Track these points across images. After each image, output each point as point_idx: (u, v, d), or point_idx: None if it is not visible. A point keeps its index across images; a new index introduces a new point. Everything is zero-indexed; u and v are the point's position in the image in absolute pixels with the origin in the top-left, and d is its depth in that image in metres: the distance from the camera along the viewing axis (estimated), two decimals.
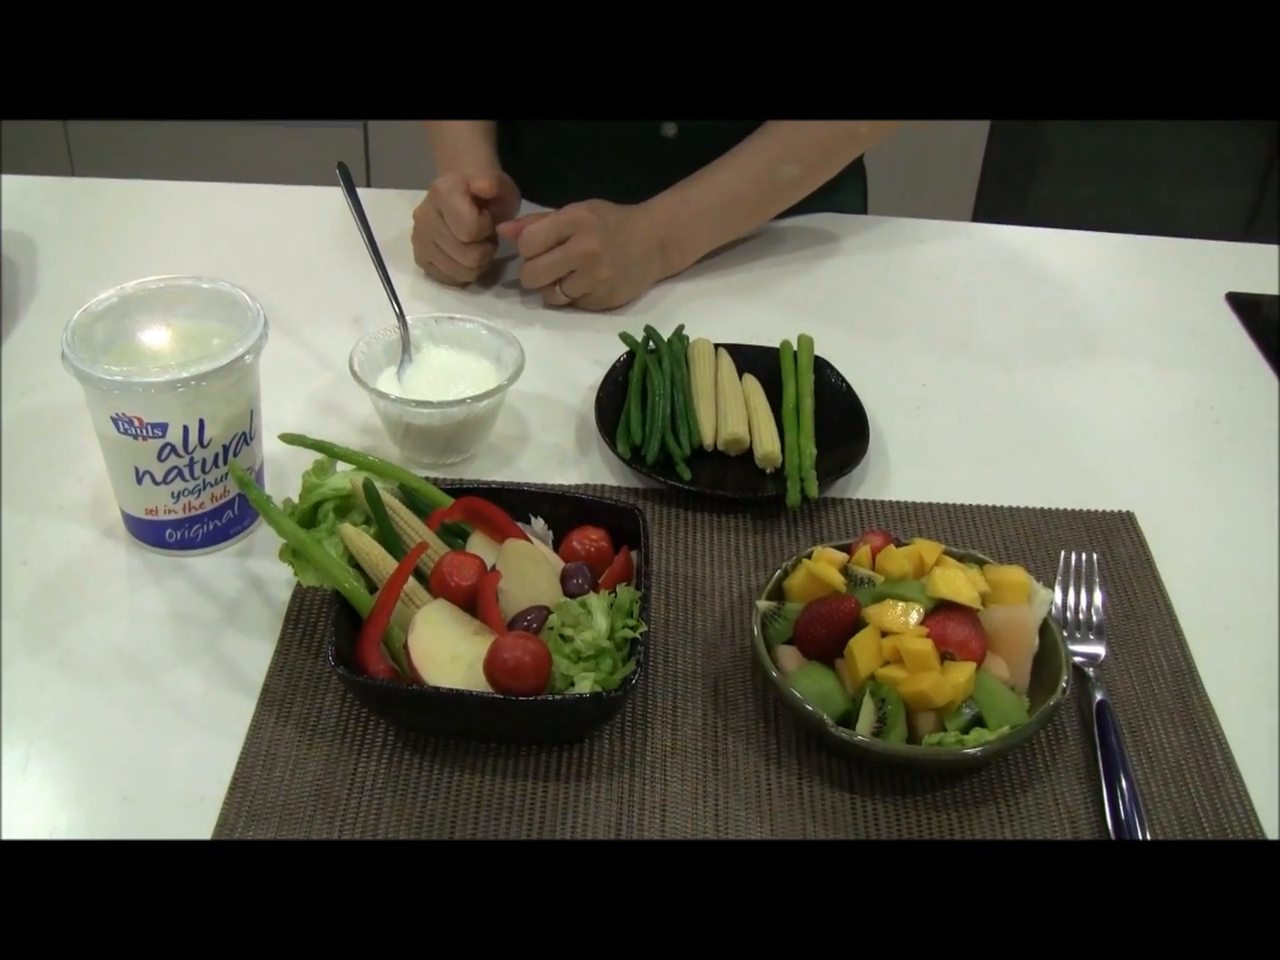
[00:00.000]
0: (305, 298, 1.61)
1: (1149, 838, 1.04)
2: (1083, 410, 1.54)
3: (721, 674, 1.16)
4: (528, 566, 1.10)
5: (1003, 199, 3.35)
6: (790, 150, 1.63)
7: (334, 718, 1.09)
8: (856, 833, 1.04)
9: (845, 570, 1.14)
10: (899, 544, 1.16)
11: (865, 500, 1.37)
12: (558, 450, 1.40)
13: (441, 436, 1.33)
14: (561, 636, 1.06)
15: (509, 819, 1.03)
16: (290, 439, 1.19)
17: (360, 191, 1.56)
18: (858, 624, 1.08)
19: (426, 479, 1.19)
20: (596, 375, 1.47)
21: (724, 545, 1.29)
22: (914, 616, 1.07)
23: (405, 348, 1.38)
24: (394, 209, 1.68)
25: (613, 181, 1.72)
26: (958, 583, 1.09)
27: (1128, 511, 1.37)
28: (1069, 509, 1.37)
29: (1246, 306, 1.75)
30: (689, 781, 1.07)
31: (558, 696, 1.02)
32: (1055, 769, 1.10)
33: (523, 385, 1.41)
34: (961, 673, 1.04)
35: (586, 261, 1.54)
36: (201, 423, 1.15)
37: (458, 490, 1.18)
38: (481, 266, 1.64)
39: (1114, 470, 1.44)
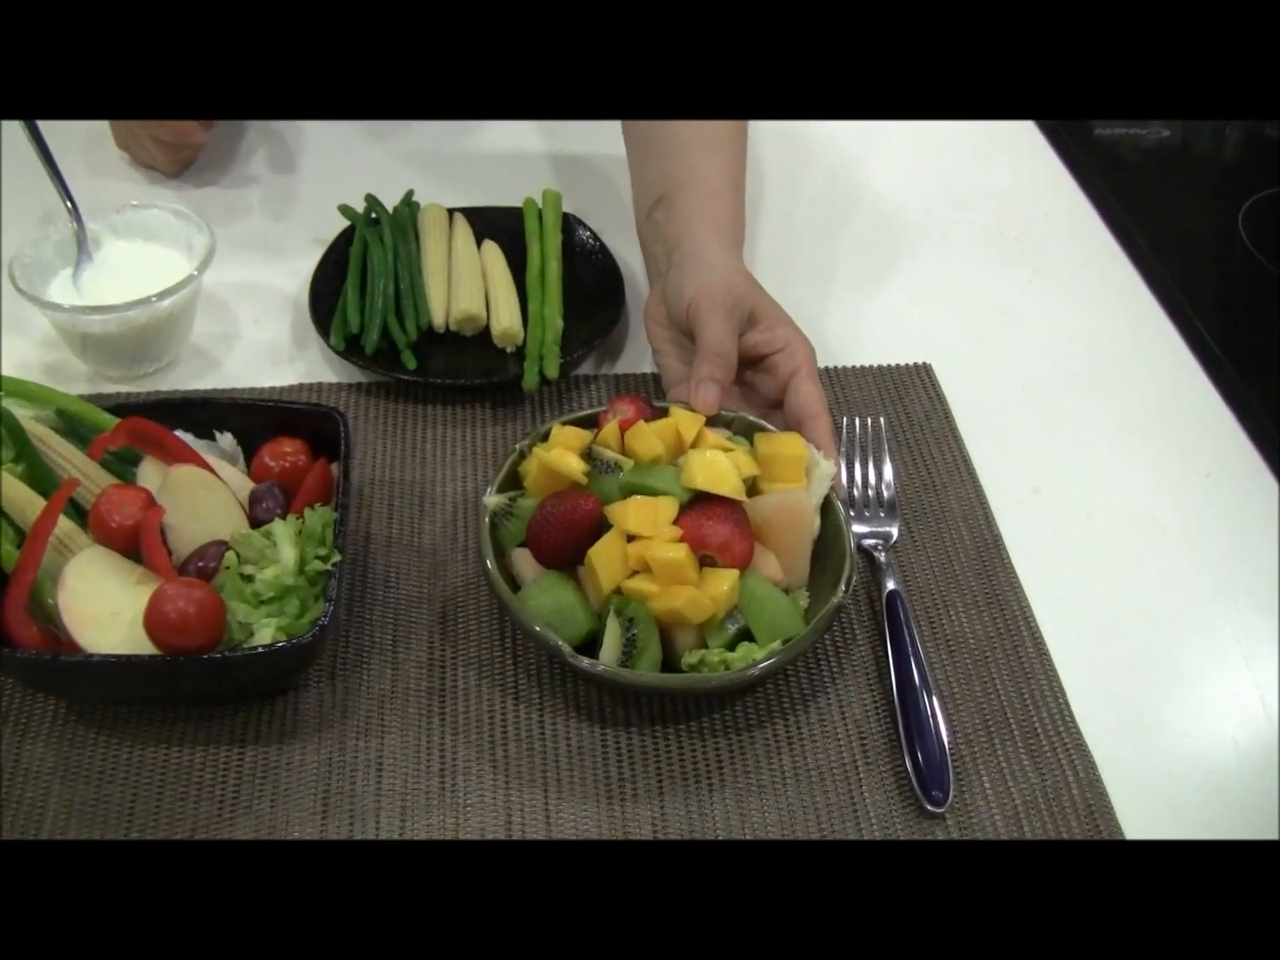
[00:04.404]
0: None
1: (949, 746, 0.90)
2: (870, 253, 1.37)
3: (451, 595, 1.00)
4: (199, 495, 0.92)
5: None
6: None
7: None
8: (608, 775, 0.89)
9: (589, 453, 0.96)
10: (654, 413, 0.99)
11: (624, 375, 1.20)
12: (270, 347, 1.21)
13: (127, 344, 1.13)
14: (243, 576, 0.88)
15: (198, 795, 0.87)
16: None
17: None
18: (600, 526, 0.91)
19: (109, 396, 1.01)
20: (318, 256, 1.27)
21: (458, 442, 1.12)
22: (665, 516, 0.90)
23: (81, 245, 1.17)
24: None
25: None
26: (718, 469, 0.92)
27: (924, 363, 1.22)
28: (858, 365, 1.21)
29: (1055, 122, 1.58)
30: (410, 731, 0.91)
31: (226, 653, 0.85)
32: (842, 677, 0.96)
33: (233, 274, 1.24)
34: (723, 582, 0.88)
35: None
36: None
37: (124, 409, 0.99)
38: (188, 164, 1.43)
39: (908, 318, 1.28)
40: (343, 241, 1.27)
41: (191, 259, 1.16)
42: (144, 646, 0.85)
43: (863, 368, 1.21)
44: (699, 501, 0.91)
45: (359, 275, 1.22)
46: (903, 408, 1.17)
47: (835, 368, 1.20)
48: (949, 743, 0.90)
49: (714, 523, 0.90)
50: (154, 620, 0.84)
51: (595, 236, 1.30)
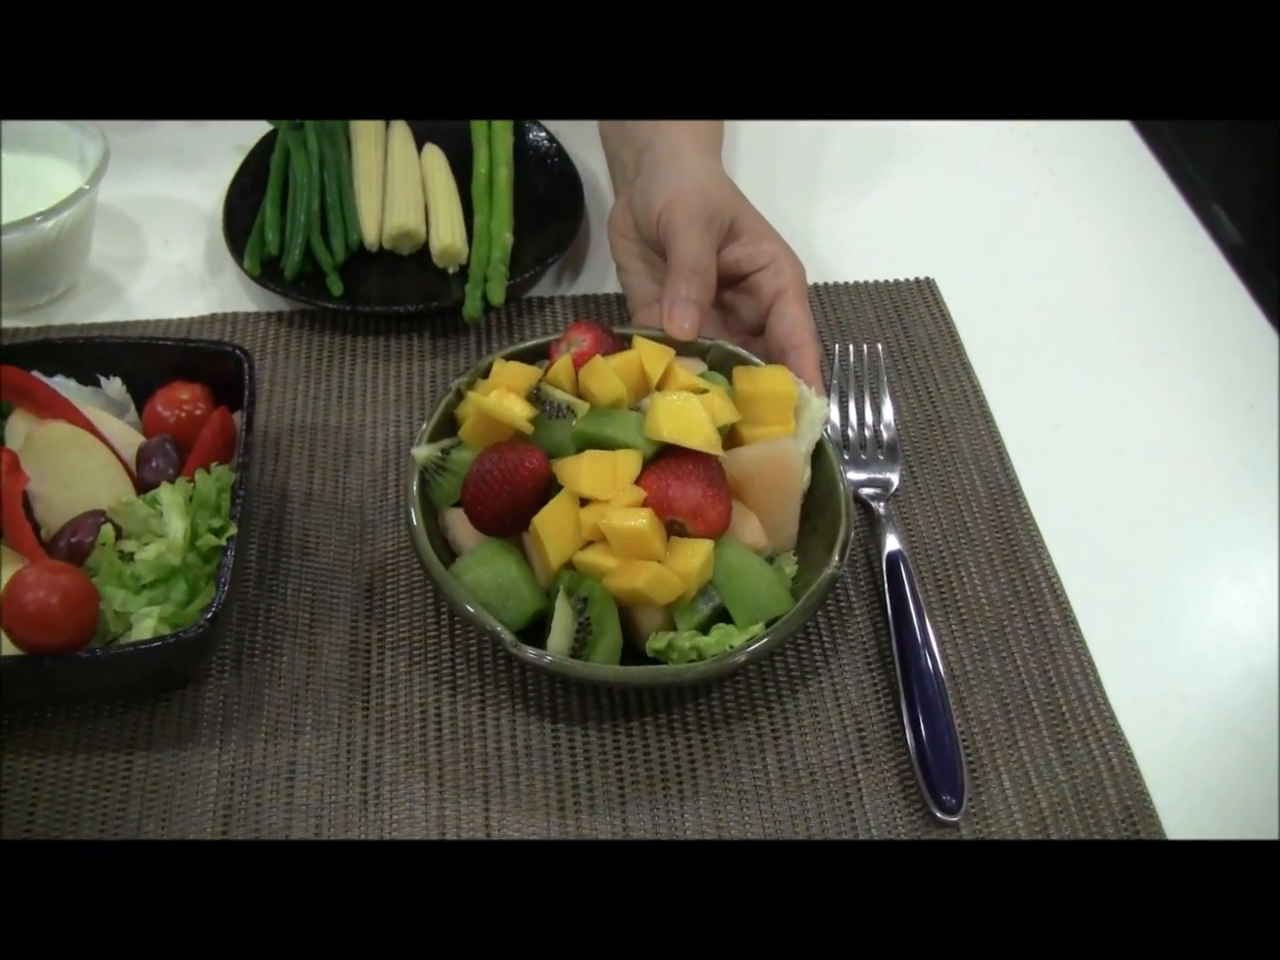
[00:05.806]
0: None
1: (962, 737, 0.78)
2: (863, 153, 1.24)
3: (380, 563, 0.87)
4: (72, 457, 0.79)
5: None
6: None
7: None
8: (560, 781, 0.77)
9: (536, 394, 0.82)
10: (615, 343, 0.85)
11: (584, 296, 1.07)
12: (181, 272, 1.07)
13: (10, 272, 0.98)
14: (122, 554, 0.75)
15: (77, 812, 0.76)
16: None
17: None
18: (548, 486, 0.78)
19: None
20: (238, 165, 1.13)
21: (392, 379, 0.99)
22: (626, 474, 0.77)
23: None
24: None
25: None
26: (689, 417, 0.78)
27: (927, 278, 1.10)
28: (851, 281, 1.08)
29: None
30: (328, 731, 0.79)
31: (98, 652, 0.72)
32: (836, 657, 0.83)
33: (141, 187, 1.12)
34: (694, 555, 0.75)
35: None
36: None
37: None
38: None
39: (907, 227, 1.16)
40: (263, 149, 1.13)
41: (84, 171, 1.01)
42: (3, 643, 0.73)
43: (857, 284, 1.09)
44: (666, 456, 0.78)
45: (279, 188, 1.08)
46: (903, 330, 1.05)
47: (825, 284, 1.08)
48: (961, 733, 0.78)
49: (683, 483, 0.76)
50: (10, 613, 0.72)
51: (551, 139, 1.17)
